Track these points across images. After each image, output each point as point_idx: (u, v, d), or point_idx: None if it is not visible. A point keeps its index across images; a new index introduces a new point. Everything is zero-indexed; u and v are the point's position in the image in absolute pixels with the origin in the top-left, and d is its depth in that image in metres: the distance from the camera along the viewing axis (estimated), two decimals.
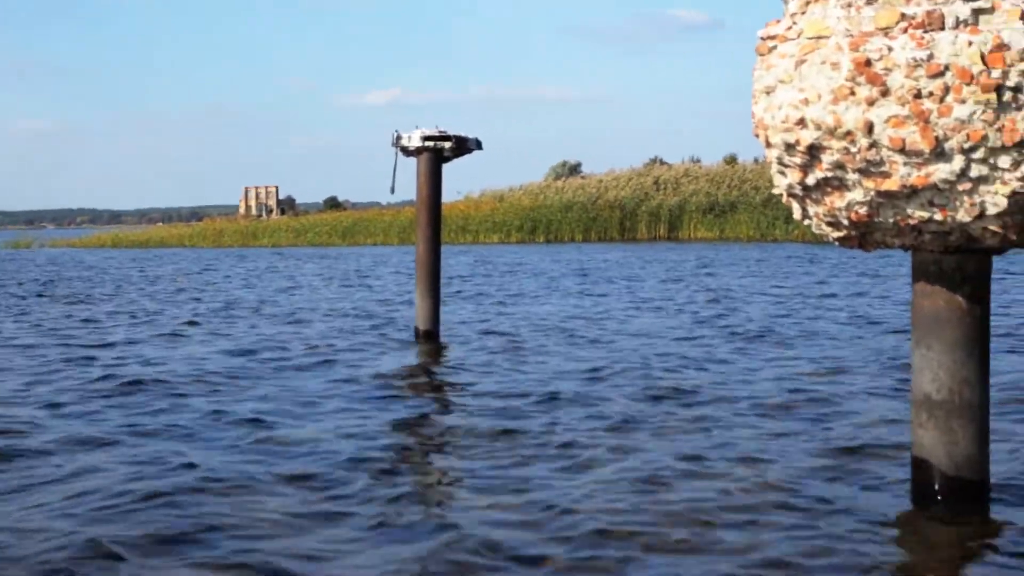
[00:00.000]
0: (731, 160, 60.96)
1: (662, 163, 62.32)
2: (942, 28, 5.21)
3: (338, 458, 7.46)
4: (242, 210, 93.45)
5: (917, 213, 5.56)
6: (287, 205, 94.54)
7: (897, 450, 7.40)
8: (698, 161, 61.98)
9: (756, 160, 57.98)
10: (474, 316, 17.84)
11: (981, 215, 5.43)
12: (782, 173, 5.90)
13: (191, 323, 17.26)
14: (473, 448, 7.80)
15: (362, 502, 6.47)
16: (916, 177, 5.38)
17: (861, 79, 5.32)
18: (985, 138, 5.20)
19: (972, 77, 5.14)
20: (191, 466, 7.24)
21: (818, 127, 5.48)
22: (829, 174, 5.63)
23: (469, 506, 6.37)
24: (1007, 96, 5.14)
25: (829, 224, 5.98)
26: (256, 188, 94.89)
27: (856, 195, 5.63)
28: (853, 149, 5.43)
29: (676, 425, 8.48)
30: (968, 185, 5.35)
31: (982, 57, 5.12)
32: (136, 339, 15.01)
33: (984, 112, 5.17)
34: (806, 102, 5.50)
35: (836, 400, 9.44)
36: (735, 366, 11.62)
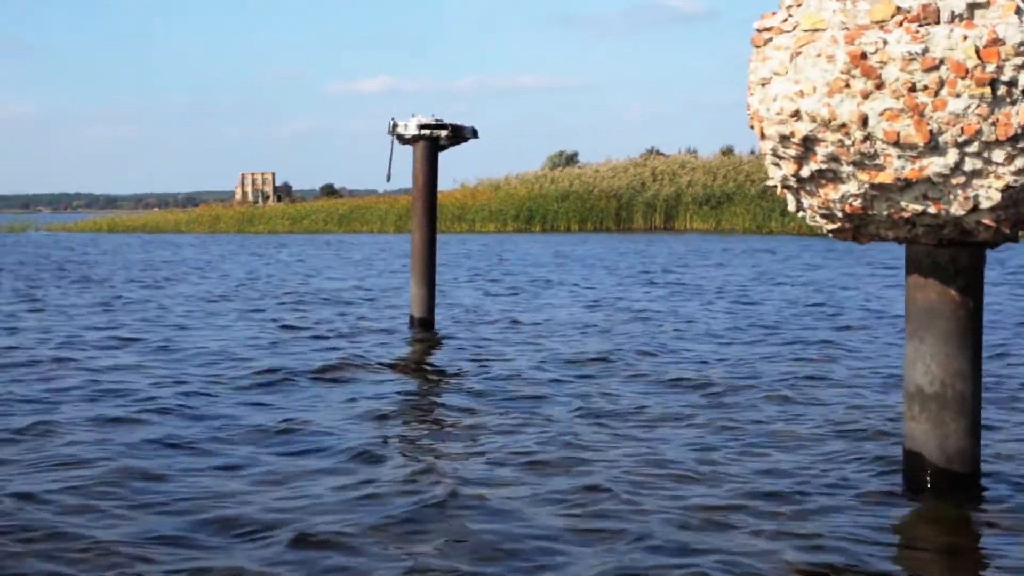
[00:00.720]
0: (728, 151, 60.93)
1: (659, 154, 62.21)
2: (937, 22, 5.23)
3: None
4: (238, 196, 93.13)
5: (911, 206, 5.57)
6: (283, 192, 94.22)
7: None
8: (695, 152, 61.98)
9: (752, 152, 57.95)
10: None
11: (975, 208, 5.45)
12: (777, 165, 5.91)
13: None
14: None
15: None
16: (910, 170, 5.40)
17: (856, 72, 5.33)
18: (979, 132, 5.21)
19: (967, 71, 5.16)
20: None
21: (813, 119, 5.49)
22: (823, 166, 5.64)
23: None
24: (1001, 90, 5.15)
25: (823, 216, 5.99)
26: (252, 174, 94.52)
27: (850, 187, 5.64)
28: (848, 142, 5.44)
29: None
30: (962, 179, 5.36)
31: (977, 51, 5.14)
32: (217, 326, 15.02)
33: (978, 106, 5.18)
34: (801, 94, 5.51)
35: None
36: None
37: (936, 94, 5.22)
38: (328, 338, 13.50)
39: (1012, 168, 5.27)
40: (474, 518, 5.91)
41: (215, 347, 12.52)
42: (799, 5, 5.65)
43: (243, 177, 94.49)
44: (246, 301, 18.78)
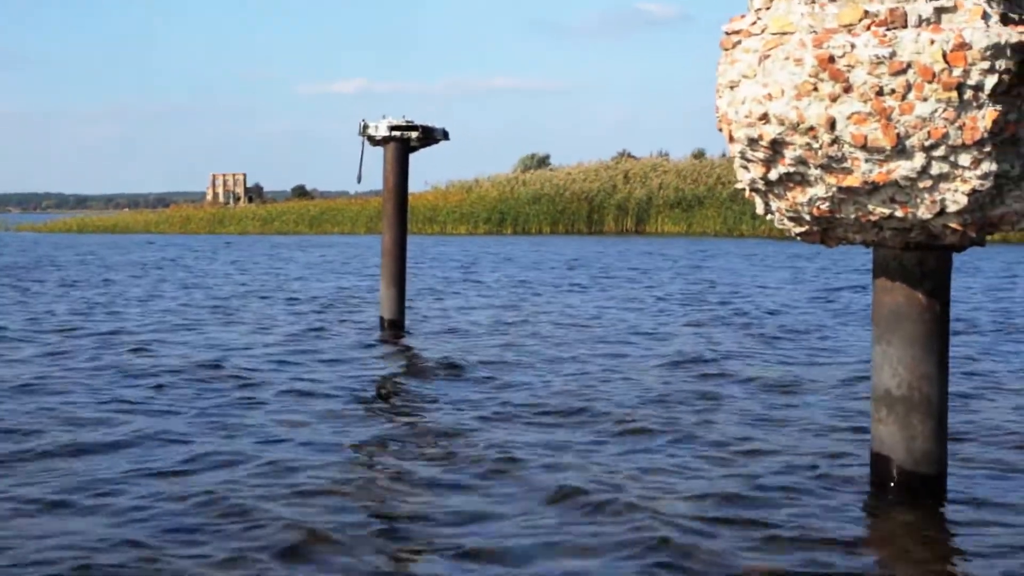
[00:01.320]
0: (699, 154, 61.02)
1: (630, 157, 62.23)
2: (905, 26, 5.25)
3: None
4: (209, 197, 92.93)
5: (878, 209, 5.59)
6: (254, 193, 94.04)
7: None
8: (666, 155, 62.03)
9: (724, 155, 57.99)
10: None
11: (941, 212, 5.47)
12: (745, 168, 5.92)
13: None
14: None
15: None
16: (877, 174, 5.42)
17: (824, 75, 5.35)
18: (946, 136, 5.23)
19: (934, 75, 5.18)
20: None
21: (781, 122, 5.50)
22: (791, 169, 5.66)
23: None
24: (968, 94, 5.18)
25: (791, 219, 6.01)
26: (223, 175, 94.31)
27: (818, 190, 5.66)
28: (815, 145, 5.45)
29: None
30: (929, 182, 5.39)
31: (944, 55, 5.16)
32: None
33: (945, 110, 5.20)
34: (769, 97, 5.52)
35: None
36: None
37: (903, 98, 5.24)
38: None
39: (978, 172, 5.30)
40: None
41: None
42: (767, 8, 5.66)
43: (214, 178, 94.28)
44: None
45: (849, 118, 5.33)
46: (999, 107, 5.18)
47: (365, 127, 13.88)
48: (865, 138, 5.33)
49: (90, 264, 30.57)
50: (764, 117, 5.56)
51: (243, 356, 11.84)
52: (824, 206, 5.71)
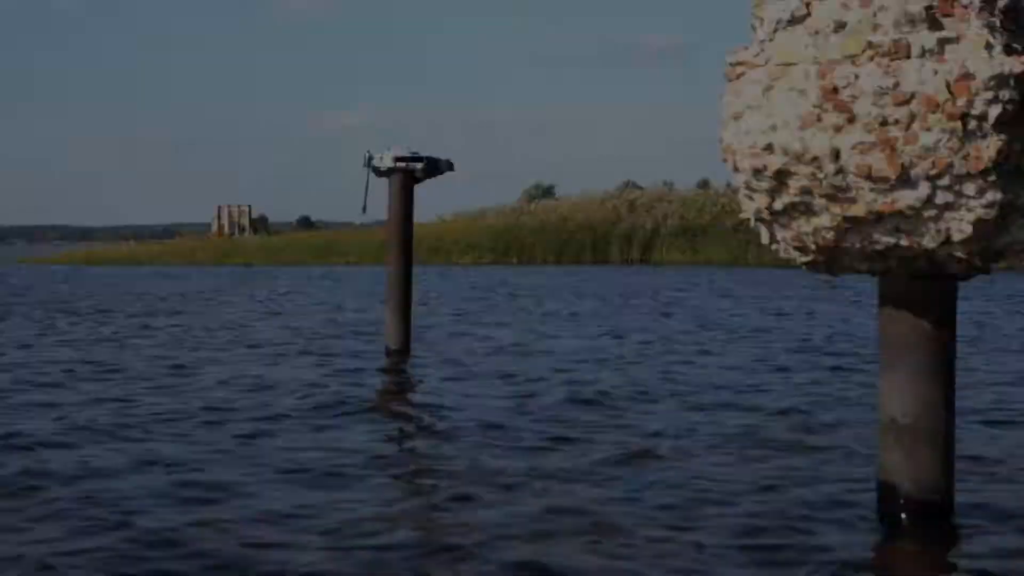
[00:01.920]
0: (704, 184, 61.06)
1: (635, 186, 62.29)
2: (908, 57, 5.27)
3: None
4: (215, 228, 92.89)
5: (883, 239, 5.60)
6: (260, 224, 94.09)
7: None
8: (671, 185, 62.06)
9: (729, 185, 57.96)
10: None
11: (947, 242, 5.48)
12: (750, 198, 5.93)
13: None
14: None
15: None
16: (882, 203, 5.43)
17: (828, 106, 5.37)
18: (951, 166, 5.25)
19: (938, 105, 5.20)
20: None
21: (785, 153, 5.51)
22: (796, 199, 5.67)
23: None
24: (972, 124, 5.19)
25: (796, 249, 6.02)
26: (229, 207, 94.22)
27: (823, 220, 5.67)
28: (820, 175, 5.47)
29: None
30: (934, 212, 5.40)
31: (948, 86, 5.18)
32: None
33: (950, 140, 5.22)
34: (774, 128, 5.54)
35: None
36: None
37: (907, 128, 5.26)
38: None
39: (983, 201, 5.31)
40: None
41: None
42: (771, 39, 5.68)
43: (219, 209, 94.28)
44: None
45: (853, 148, 5.35)
46: (1004, 136, 5.20)
47: (370, 158, 13.92)
48: (870, 168, 5.34)
49: (127, 297, 30.13)
50: (769, 147, 5.58)
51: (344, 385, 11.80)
52: (829, 236, 5.72)
